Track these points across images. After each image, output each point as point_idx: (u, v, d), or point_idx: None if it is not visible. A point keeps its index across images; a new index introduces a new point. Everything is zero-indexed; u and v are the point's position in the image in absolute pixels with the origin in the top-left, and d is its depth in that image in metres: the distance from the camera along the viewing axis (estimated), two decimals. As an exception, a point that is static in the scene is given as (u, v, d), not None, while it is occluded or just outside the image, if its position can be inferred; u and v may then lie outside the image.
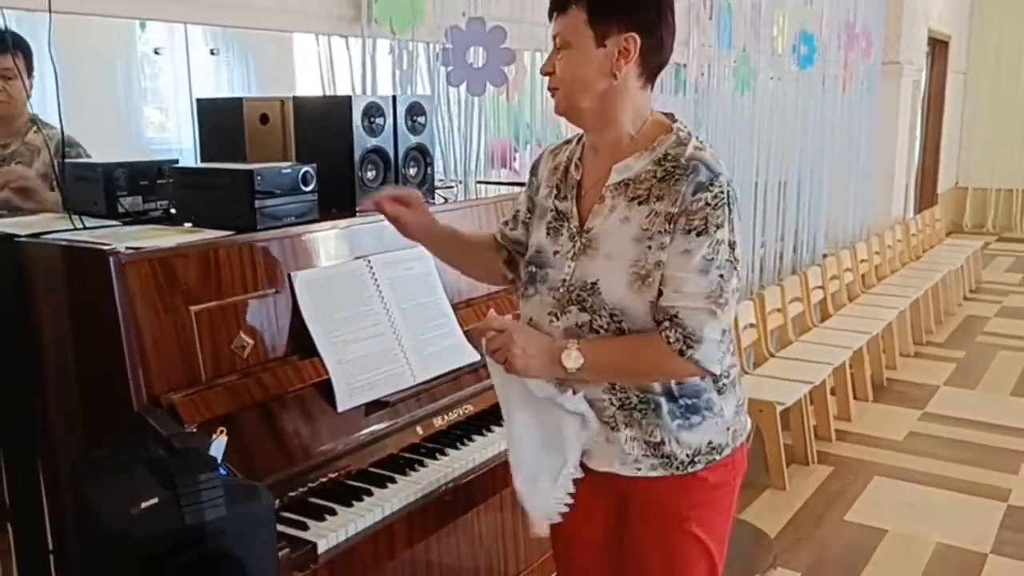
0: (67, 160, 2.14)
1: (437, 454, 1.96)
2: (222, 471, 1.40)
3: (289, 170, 1.93)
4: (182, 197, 2.00)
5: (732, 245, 1.51)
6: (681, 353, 1.49)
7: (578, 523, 1.69)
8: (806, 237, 5.75)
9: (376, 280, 2.08)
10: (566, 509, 1.64)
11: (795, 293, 4.95)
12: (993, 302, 7.43)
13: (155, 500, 1.29)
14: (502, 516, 2.34)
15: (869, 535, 3.47)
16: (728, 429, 1.64)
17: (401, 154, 2.23)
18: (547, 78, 1.61)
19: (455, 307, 2.25)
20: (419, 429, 2.02)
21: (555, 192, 1.68)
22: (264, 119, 2.23)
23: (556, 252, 1.64)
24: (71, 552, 1.82)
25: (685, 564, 1.66)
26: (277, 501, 1.62)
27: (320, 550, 1.61)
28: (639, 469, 1.61)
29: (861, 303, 5.67)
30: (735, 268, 1.51)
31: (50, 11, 1.80)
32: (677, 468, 1.60)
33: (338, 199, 2.12)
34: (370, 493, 1.78)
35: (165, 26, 3.62)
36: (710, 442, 1.61)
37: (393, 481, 1.83)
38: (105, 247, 1.66)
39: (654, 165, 1.55)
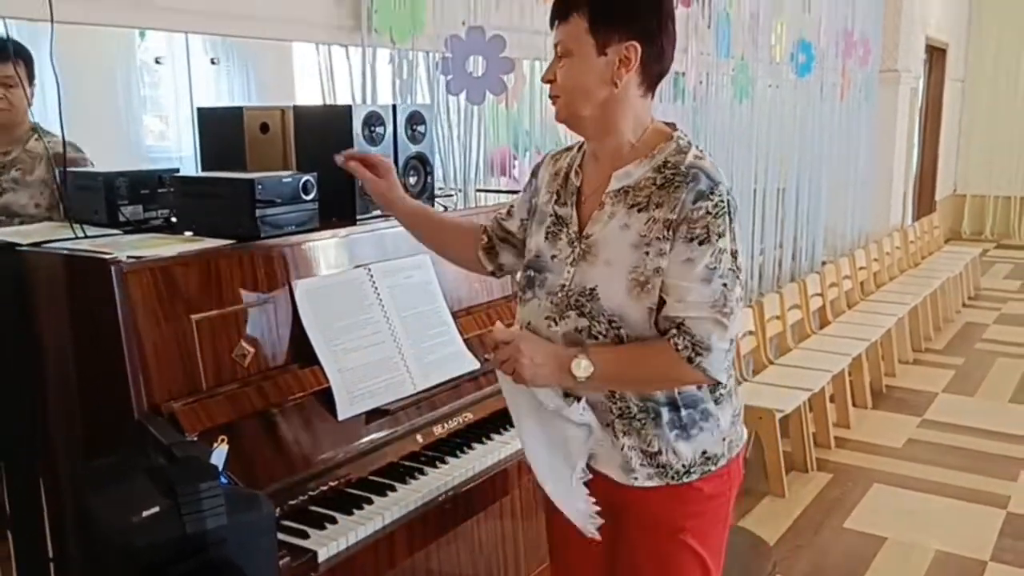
0: (68, 169, 2.14)
1: (437, 462, 1.96)
2: (223, 480, 1.40)
3: (290, 179, 1.94)
4: (183, 206, 2.01)
5: (734, 254, 1.51)
6: (690, 360, 1.49)
7: (575, 530, 1.70)
8: (805, 244, 5.76)
9: (376, 288, 2.09)
10: (598, 508, 1.63)
11: (794, 300, 4.96)
12: (992, 309, 7.43)
13: (156, 509, 1.29)
14: (502, 524, 2.34)
15: (868, 542, 3.47)
16: (724, 439, 1.64)
17: (401, 163, 2.23)
18: (547, 86, 1.62)
19: (455, 315, 2.25)
20: (419, 437, 2.02)
21: (555, 198, 1.69)
22: (264, 128, 2.24)
23: (555, 256, 1.64)
24: (71, 559, 1.82)
25: (680, 575, 1.66)
26: (278, 509, 1.62)
27: (321, 558, 1.61)
28: (636, 479, 1.61)
29: (860, 310, 5.68)
30: (738, 277, 1.51)
31: (52, 20, 1.81)
32: (672, 478, 1.60)
33: (338, 208, 2.13)
34: (370, 501, 1.78)
35: (165, 35, 3.63)
36: (704, 452, 1.61)
37: (393, 489, 1.83)
38: (106, 256, 1.67)
39: (654, 172, 1.55)
